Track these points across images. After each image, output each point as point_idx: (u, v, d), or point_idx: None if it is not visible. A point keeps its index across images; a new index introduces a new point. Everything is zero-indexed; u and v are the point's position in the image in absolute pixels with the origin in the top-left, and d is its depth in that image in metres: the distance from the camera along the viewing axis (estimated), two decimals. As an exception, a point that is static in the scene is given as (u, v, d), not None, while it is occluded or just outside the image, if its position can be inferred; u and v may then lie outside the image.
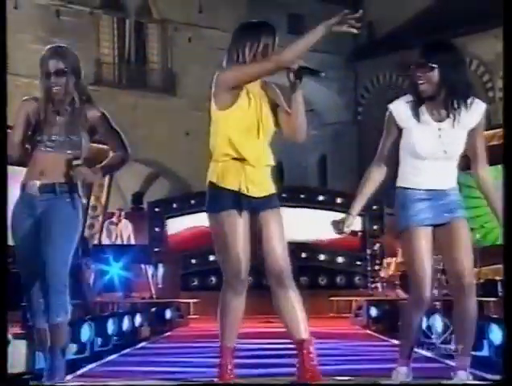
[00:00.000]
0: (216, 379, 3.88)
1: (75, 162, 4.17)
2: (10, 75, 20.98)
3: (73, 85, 4.32)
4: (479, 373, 5.05)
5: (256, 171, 3.84)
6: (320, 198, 16.55)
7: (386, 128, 4.02)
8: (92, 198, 13.91)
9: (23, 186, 4.21)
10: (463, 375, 3.83)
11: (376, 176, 4.04)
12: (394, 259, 13.51)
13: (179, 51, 21.77)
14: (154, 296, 12.17)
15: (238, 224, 3.81)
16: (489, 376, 4.84)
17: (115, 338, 7.16)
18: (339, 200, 16.32)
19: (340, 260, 15.42)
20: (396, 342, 7.77)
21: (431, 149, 3.83)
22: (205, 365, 5.43)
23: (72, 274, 11.75)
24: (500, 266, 11.95)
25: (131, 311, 8.70)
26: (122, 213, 14.05)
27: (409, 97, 3.90)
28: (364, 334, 9.34)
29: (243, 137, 3.82)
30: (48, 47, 4.45)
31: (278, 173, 28.49)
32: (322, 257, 15.36)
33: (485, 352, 5.57)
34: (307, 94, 21.65)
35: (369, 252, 14.78)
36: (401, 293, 12.24)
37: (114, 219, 13.78)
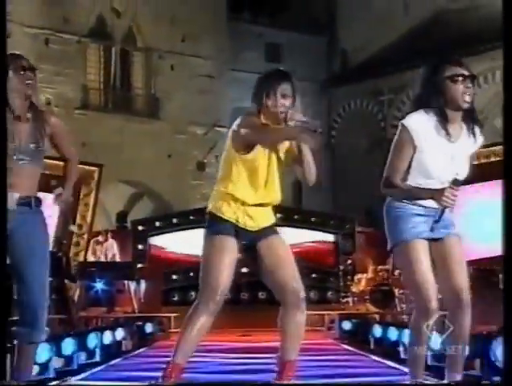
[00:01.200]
0: None
1: (57, 191, 3.92)
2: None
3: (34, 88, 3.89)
4: (444, 383, 5.06)
5: (256, 209, 3.82)
6: (296, 217, 16.56)
7: (398, 145, 3.66)
8: (78, 216, 13.84)
9: None
10: None
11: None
12: (364, 275, 13.52)
13: (163, 77, 21.79)
14: (137, 310, 12.09)
15: (227, 251, 3.74)
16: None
17: (98, 351, 7.09)
18: (313, 219, 16.38)
19: (313, 275, 15.40)
20: (366, 353, 7.80)
21: (444, 171, 3.58)
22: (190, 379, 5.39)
23: (57, 290, 11.66)
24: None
25: (114, 325, 8.63)
26: (109, 234, 13.95)
27: (425, 114, 3.58)
28: (335, 346, 9.32)
29: (249, 186, 3.79)
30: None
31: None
32: (297, 273, 15.37)
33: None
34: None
35: (341, 268, 14.78)
36: (371, 307, 12.25)
37: (100, 238, 13.70)
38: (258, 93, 3.78)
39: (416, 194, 3.62)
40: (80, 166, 15.73)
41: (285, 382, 3.71)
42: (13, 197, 3.73)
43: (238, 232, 3.77)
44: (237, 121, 3.75)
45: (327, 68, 25.66)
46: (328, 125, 25.34)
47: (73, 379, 5.72)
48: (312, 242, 15.91)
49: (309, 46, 24.94)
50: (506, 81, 3.33)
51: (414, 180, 3.64)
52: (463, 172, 3.61)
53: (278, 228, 3.95)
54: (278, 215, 15.53)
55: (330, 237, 15.97)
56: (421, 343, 3.70)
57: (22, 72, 3.79)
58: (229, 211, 3.75)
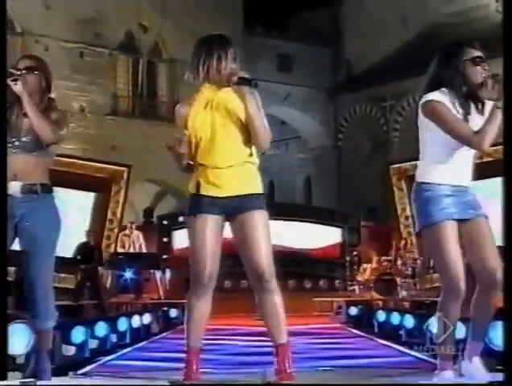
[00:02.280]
0: (182, 378, 3.45)
1: None
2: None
3: (41, 86, 3.75)
4: (415, 354, 5.05)
5: (219, 173, 3.37)
6: (305, 212, 16.59)
7: (447, 114, 3.36)
8: (109, 212, 13.89)
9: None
10: (477, 360, 3.46)
11: None
12: (368, 265, 13.51)
13: (185, 86, 21.73)
14: (162, 297, 12.13)
15: (205, 227, 3.36)
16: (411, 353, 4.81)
17: (127, 334, 7.13)
18: (321, 215, 16.38)
19: (322, 266, 15.43)
20: (371, 337, 7.79)
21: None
22: (205, 359, 5.41)
23: (90, 278, 11.69)
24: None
25: (141, 310, 8.68)
26: (134, 225, 14.03)
27: (443, 92, 3.39)
28: (342, 329, 9.31)
29: (202, 143, 3.42)
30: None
31: (270, 191, 28.44)
32: (307, 264, 15.37)
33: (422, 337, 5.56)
34: (296, 123, 21.73)
35: (347, 259, 14.77)
36: (375, 295, 12.23)
37: (127, 231, 13.76)
38: (202, 58, 3.49)
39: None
40: (111, 166, 15.76)
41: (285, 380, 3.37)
42: (17, 186, 3.59)
43: (212, 205, 3.35)
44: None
45: (333, 77, 25.59)
46: (335, 130, 25.32)
47: (106, 359, 5.76)
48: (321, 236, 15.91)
49: (317, 57, 24.90)
50: (506, 81, 3.19)
51: (434, 154, 3.44)
52: None
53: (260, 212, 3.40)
54: (290, 211, 15.57)
55: (337, 231, 15.95)
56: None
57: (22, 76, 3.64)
58: (191, 184, 3.43)
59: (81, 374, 4.84)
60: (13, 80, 3.56)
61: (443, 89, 3.40)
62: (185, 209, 3.50)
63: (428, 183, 3.43)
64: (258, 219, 3.39)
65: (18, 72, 3.59)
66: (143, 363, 5.46)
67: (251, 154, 3.46)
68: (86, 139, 20.11)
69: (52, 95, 3.87)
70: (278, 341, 3.38)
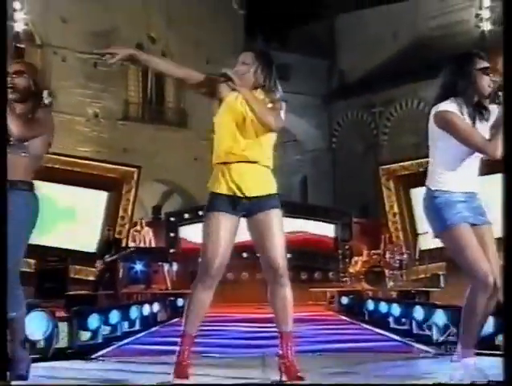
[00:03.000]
0: (174, 359, 3.39)
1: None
2: (56, 113, 21.01)
3: (29, 88, 3.59)
4: (425, 348, 5.09)
5: (245, 171, 3.37)
6: (301, 210, 16.59)
7: (459, 123, 3.29)
8: (121, 210, 13.91)
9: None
10: (472, 361, 3.29)
11: None
12: (359, 258, 13.50)
13: (190, 93, 21.78)
14: (170, 288, 12.15)
15: (221, 226, 3.34)
16: (432, 350, 4.85)
17: (138, 321, 7.16)
18: (316, 211, 16.40)
19: (317, 259, 15.44)
20: (362, 324, 7.81)
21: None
22: (210, 345, 5.44)
23: (110, 270, 11.68)
24: (441, 263, 12.02)
25: (151, 300, 8.70)
26: (143, 222, 14.04)
27: (454, 101, 3.32)
28: (335, 317, 9.34)
29: (227, 139, 3.40)
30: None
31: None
32: (303, 257, 15.37)
33: (430, 332, 5.59)
34: (293, 128, 21.69)
35: (340, 253, 14.78)
36: (365, 285, 12.24)
37: (137, 227, 13.77)
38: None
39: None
40: (122, 167, 15.73)
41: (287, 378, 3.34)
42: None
43: (233, 204, 3.36)
44: None
45: (327, 85, 25.58)
46: (329, 133, 25.32)
47: (118, 344, 5.79)
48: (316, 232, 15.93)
49: (312, 66, 24.88)
50: (506, 81, 3.07)
51: (445, 163, 3.36)
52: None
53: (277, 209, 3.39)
54: (287, 209, 15.60)
55: (331, 227, 15.97)
56: (478, 319, 3.30)
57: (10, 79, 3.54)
58: (216, 183, 3.40)
59: (96, 357, 4.88)
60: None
61: (453, 98, 3.32)
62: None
63: (442, 191, 3.34)
64: (276, 217, 3.40)
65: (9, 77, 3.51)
66: (152, 347, 5.50)
67: (269, 157, 3.46)
68: (100, 142, 20.14)
69: (46, 99, 3.71)
70: (285, 329, 3.41)
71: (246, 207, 3.37)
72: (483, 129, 3.31)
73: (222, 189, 3.36)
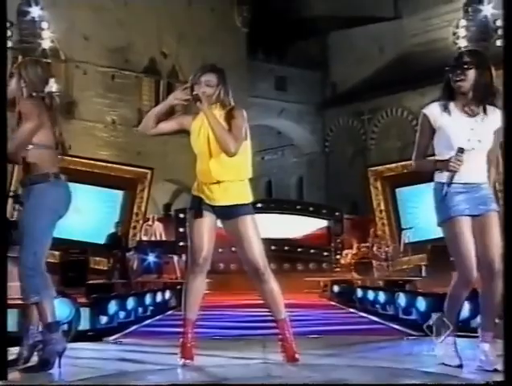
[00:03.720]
0: (179, 341, 3.40)
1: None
2: (78, 120, 20.90)
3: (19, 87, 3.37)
4: (409, 331, 5.09)
5: (216, 186, 3.40)
6: (298, 207, 16.59)
7: (420, 130, 3.26)
8: (135, 207, 13.91)
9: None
10: (486, 347, 3.15)
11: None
12: (350, 251, 13.53)
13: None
14: (179, 277, 12.15)
15: (200, 221, 3.41)
16: (415, 333, 4.85)
17: (151, 307, 7.17)
18: (311, 209, 16.40)
19: (312, 251, 15.45)
20: (352, 309, 7.82)
21: (466, 139, 3.14)
22: (215, 326, 5.46)
23: (120, 261, 11.69)
24: (422, 255, 12.03)
25: (162, 288, 8.71)
26: (155, 218, 14.03)
27: (437, 102, 3.24)
28: (328, 304, 9.36)
29: (199, 163, 3.51)
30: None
31: (268, 189, 28.25)
32: (299, 250, 15.39)
33: (413, 317, 5.59)
34: (290, 133, 21.73)
35: (332, 246, 14.80)
36: (355, 275, 12.26)
37: (150, 223, 13.77)
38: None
39: (428, 164, 3.23)
40: (136, 169, 15.75)
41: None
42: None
43: (208, 206, 3.42)
44: None
45: (321, 95, 25.57)
46: (322, 138, 25.30)
47: (133, 327, 5.80)
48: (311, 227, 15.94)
49: (307, 78, 24.89)
50: (506, 81, 2.88)
51: (442, 155, 3.21)
52: (485, 139, 3.18)
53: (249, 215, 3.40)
54: (285, 206, 15.58)
55: (324, 223, 15.98)
56: (456, 310, 3.25)
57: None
58: (196, 189, 3.50)
59: (114, 339, 4.89)
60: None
61: (440, 101, 3.22)
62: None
63: (440, 183, 3.19)
64: (246, 222, 3.40)
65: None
66: (164, 330, 5.51)
67: (240, 171, 3.43)
68: (116, 146, 20.14)
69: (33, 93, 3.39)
70: (279, 317, 3.43)
71: (218, 213, 3.42)
72: (472, 124, 3.16)
73: (198, 193, 3.46)
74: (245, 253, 3.39)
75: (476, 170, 3.19)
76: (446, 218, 3.17)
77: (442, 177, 3.18)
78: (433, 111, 3.22)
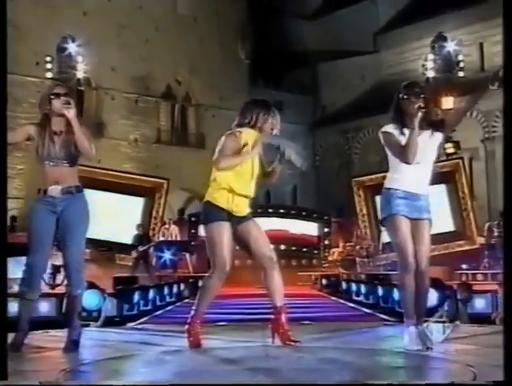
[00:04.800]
0: (186, 327, 3.33)
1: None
2: (106, 138, 20.88)
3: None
4: (387, 317, 5.09)
5: (241, 200, 3.36)
6: (292, 211, 16.57)
7: (389, 142, 3.26)
8: (154, 212, 13.89)
9: (44, 191, 3.26)
10: (412, 329, 3.16)
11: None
12: (337, 249, 13.50)
13: (207, 123, 21.85)
14: (191, 272, 12.14)
15: (225, 232, 3.29)
16: (392, 319, 4.84)
17: (168, 297, 7.16)
18: (304, 213, 16.38)
19: (304, 249, 15.43)
20: (338, 299, 7.80)
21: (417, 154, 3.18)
22: (224, 312, 5.46)
23: (144, 257, 11.63)
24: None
25: (177, 281, 8.71)
26: (171, 221, 14.00)
27: (392, 125, 3.27)
28: (318, 295, 9.35)
29: (239, 180, 3.35)
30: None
31: (267, 197, 28.06)
32: (293, 248, 15.36)
33: (390, 305, 5.59)
34: (285, 149, 21.36)
35: (322, 245, 14.78)
36: (341, 270, 12.23)
37: (166, 225, 13.75)
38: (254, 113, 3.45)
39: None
40: (155, 179, 15.71)
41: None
42: (57, 189, 3.23)
43: (229, 216, 3.32)
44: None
45: (312, 117, 25.64)
46: (313, 153, 25.35)
47: (153, 314, 5.79)
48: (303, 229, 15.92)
49: (301, 102, 24.93)
50: (506, 81, 2.68)
51: (393, 167, 3.28)
52: (429, 154, 3.25)
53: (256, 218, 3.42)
54: (282, 211, 15.41)
55: (315, 225, 15.97)
56: (408, 300, 3.20)
57: (58, 97, 3.21)
58: (223, 202, 3.32)
59: (136, 324, 4.90)
60: (66, 104, 3.17)
61: (393, 123, 3.26)
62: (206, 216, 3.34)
63: (387, 188, 3.28)
64: (256, 223, 3.43)
65: (69, 103, 3.17)
66: (179, 316, 5.50)
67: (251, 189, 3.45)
68: (138, 160, 20.18)
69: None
70: (279, 303, 3.36)
71: (235, 220, 3.34)
72: (423, 140, 3.19)
73: (224, 205, 3.33)
74: (262, 247, 3.35)
75: (418, 182, 3.23)
76: (387, 214, 3.23)
77: (391, 184, 3.26)
78: (392, 131, 3.26)
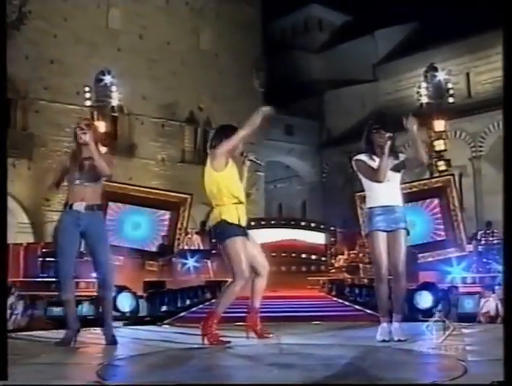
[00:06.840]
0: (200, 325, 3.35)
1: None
2: (137, 158, 20.94)
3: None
4: (370, 311, 5.03)
5: (243, 210, 3.38)
6: (302, 223, 16.55)
7: (362, 167, 3.44)
8: (179, 223, 13.91)
9: (70, 206, 3.36)
10: (396, 325, 3.28)
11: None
12: (342, 256, 13.41)
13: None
14: (212, 277, 12.12)
15: (242, 246, 3.30)
16: (368, 311, 4.76)
17: (192, 299, 7.16)
18: (312, 225, 16.35)
19: (313, 257, 15.37)
20: (344, 301, 7.75)
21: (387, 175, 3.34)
22: (242, 311, 5.44)
23: (168, 264, 11.53)
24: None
25: (200, 285, 8.71)
26: (194, 231, 14.01)
27: (363, 154, 3.46)
28: (325, 297, 9.30)
29: (238, 185, 3.44)
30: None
31: (279, 210, 28.00)
32: (303, 256, 15.31)
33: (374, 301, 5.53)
34: (296, 167, 21.57)
35: (329, 252, 14.70)
36: (346, 275, 12.15)
37: (190, 235, 13.77)
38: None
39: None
40: (180, 194, 15.80)
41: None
42: (82, 205, 3.32)
43: (240, 229, 3.34)
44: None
45: (319, 139, 25.68)
46: (320, 171, 25.36)
47: (180, 315, 5.79)
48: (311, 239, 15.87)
49: (309, 126, 25.01)
50: (506, 81, 2.50)
51: (369, 188, 3.45)
52: (394, 175, 3.40)
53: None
54: (292, 222, 15.34)
55: (322, 235, 15.91)
56: (382, 300, 3.29)
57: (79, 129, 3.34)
58: (236, 219, 3.33)
59: (165, 323, 4.91)
60: (81, 130, 3.31)
61: (365, 152, 3.44)
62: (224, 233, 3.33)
63: (368, 208, 3.45)
64: (251, 235, 3.48)
65: (83, 129, 3.32)
66: (202, 316, 5.49)
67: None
68: (165, 178, 20.31)
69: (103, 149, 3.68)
70: (257, 305, 3.49)
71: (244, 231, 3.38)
72: (391, 163, 3.34)
73: (235, 220, 3.35)
74: (258, 256, 3.42)
75: (391, 196, 3.35)
76: (368, 231, 3.40)
77: (370, 203, 3.41)
78: (363, 158, 3.44)
